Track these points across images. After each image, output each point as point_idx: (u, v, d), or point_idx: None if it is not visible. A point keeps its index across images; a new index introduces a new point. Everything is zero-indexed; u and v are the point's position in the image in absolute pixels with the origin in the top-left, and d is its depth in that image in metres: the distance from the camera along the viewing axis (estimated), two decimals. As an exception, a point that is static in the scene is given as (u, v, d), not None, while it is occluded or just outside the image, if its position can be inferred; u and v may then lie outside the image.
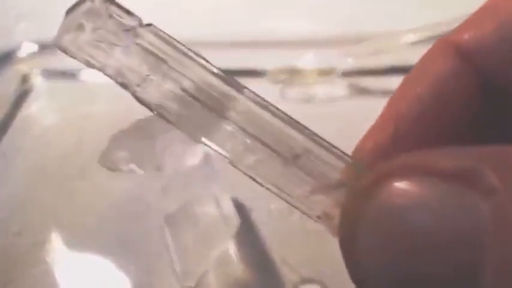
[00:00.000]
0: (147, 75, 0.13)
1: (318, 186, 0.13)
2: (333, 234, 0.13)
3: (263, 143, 0.13)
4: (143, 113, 0.32)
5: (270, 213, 0.25)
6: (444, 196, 0.10)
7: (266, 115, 0.13)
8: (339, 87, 0.33)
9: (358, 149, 0.15)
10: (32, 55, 0.35)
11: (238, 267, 0.23)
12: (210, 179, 0.24)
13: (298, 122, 0.13)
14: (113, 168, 0.15)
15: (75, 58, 0.13)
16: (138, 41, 0.13)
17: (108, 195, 0.26)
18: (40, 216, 0.26)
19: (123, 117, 0.31)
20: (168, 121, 0.13)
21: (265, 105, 0.13)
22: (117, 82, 0.13)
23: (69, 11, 0.13)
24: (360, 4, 0.37)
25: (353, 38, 0.33)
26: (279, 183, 0.13)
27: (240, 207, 0.24)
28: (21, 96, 0.33)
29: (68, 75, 0.34)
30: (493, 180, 0.09)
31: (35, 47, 0.35)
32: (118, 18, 0.13)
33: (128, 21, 0.13)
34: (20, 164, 0.29)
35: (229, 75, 0.13)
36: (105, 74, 0.13)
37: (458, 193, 0.10)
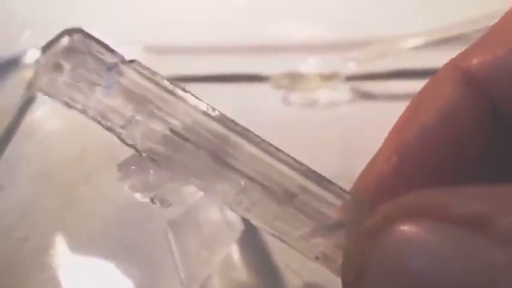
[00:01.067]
0: (132, 116, 0.12)
1: (317, 228, 0.12)
2: (335, 274, 0.12)
3: (257, 183, 0.12)
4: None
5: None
6: (456, 243, 0.09)
7: (259, 153, 0.12)
8: (342, 92, 0.33)
9: (360, 180, 0.14)
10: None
11: (241, 272, 0.23)
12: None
13: (293, 159, 0.12)
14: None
15: (54, 99, 0.12)
16: (121, 79, 0.12)
17: (112, 200, 0.26)
18: (45, 222, 0.26)
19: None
20: (155, 163, 0.12)
21: (257, 142, 0.12)
22: (100, 124, 0.12)
23: (46, 48, 0.12)
24: (362, 9, 0.37)
25: (355, 42, 0.33)
26: (276, 226, 0.13)
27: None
28: (27, 102, 0.33)
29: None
30: (509, 227, 0.09)
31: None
32: (98, 55, 0.12)
33: (109, 58, 0.12)
34: (25, 169, 0.29)
35: (220, 113, 0.12)
36: (87, 116, 0.12)
37: (472, 241, 0.09)
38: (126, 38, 0.36)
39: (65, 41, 0.11)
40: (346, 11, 0.36)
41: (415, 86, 0.32)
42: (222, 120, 0.12)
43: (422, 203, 0.10)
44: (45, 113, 0.33)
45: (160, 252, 0.23)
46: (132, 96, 0.12)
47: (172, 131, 0.12)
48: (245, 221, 0.24)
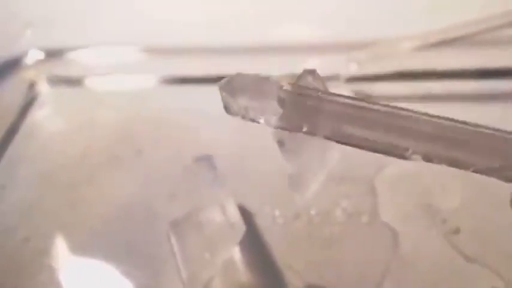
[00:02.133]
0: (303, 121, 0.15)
1: None
2: None
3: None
4: (148, 120, 0.32)
5: (274, 219, 0.25)
6: None
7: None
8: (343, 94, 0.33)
9: None
10: (39, 62, 0.35)
11: (243, 273, 0.23)
12: (215, 186, 0.24)
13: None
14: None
15: (249, 121, 0.16)
16: (282, 94, 0.15)
17: (114, 201, 0.27)
18: (47, 223, 0.26)
19: (129, 124, 0.32)
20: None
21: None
22: (281, 128, 0.16)
23: (222, 87, 0.16)
24: (363, 10, 0.37)
25: (357, 44, 0.33)
26: None
27: (245, 213, 0.24)
28: (28, 103, 0.33)
29: (74, 82, 0.35)
30: None
31: (41, 54, 0.36)
32: (260, 82, 0.16)
33: (269, 84, 0.16)
34: (27, 170, 0.29)
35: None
36: (273, 127, 0.16)
37: None
38: (128, 38, 0.36)
39: (235, 79, 0.16)
40: (347, 12, 0.36)
41: (416, 87, 0.32)
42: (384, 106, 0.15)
43: None
44: (47, 114, 0.33)
45: (162, 253, 0.23)
46: (298, 101, 0.16)
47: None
48: (246, 222, 0.24)
